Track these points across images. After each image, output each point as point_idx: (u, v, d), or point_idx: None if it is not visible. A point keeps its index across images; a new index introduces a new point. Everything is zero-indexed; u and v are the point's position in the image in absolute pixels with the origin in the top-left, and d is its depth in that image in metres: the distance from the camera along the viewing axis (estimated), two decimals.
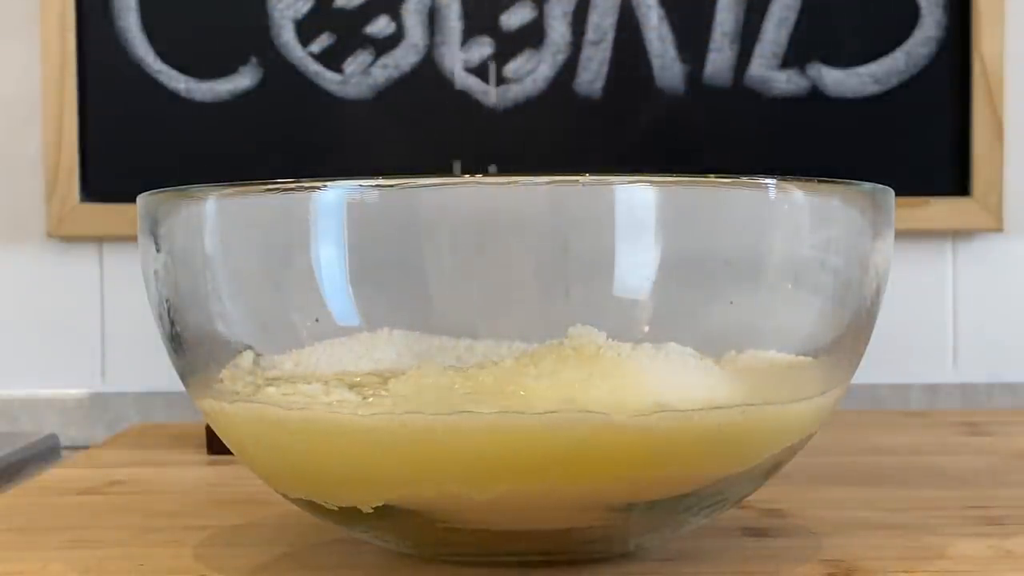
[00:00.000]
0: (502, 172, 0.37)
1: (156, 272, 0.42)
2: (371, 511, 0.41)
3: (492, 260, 0.38)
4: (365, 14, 0.96)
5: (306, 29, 0.96)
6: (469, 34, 0.96)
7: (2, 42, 0.96)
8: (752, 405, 0.39)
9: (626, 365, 0.39)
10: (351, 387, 0.40)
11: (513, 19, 0.96)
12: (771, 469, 0.43)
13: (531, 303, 0.39)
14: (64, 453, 0.83)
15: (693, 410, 0.38)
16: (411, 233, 0.38)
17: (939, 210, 0.98)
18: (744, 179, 0.39)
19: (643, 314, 0.39)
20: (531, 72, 0.96)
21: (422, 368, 0.39)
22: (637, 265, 0.38)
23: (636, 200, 0.38)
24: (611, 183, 0.38)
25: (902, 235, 0.46)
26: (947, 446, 0.73)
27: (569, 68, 0.96)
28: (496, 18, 0.96)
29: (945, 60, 0.98)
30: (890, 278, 0.44)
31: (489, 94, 0.93)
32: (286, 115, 0.95)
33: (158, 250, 0.42)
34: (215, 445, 0.69)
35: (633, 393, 0.38)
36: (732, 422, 0.39)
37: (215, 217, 0.40)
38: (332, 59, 0.96)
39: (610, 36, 0.97)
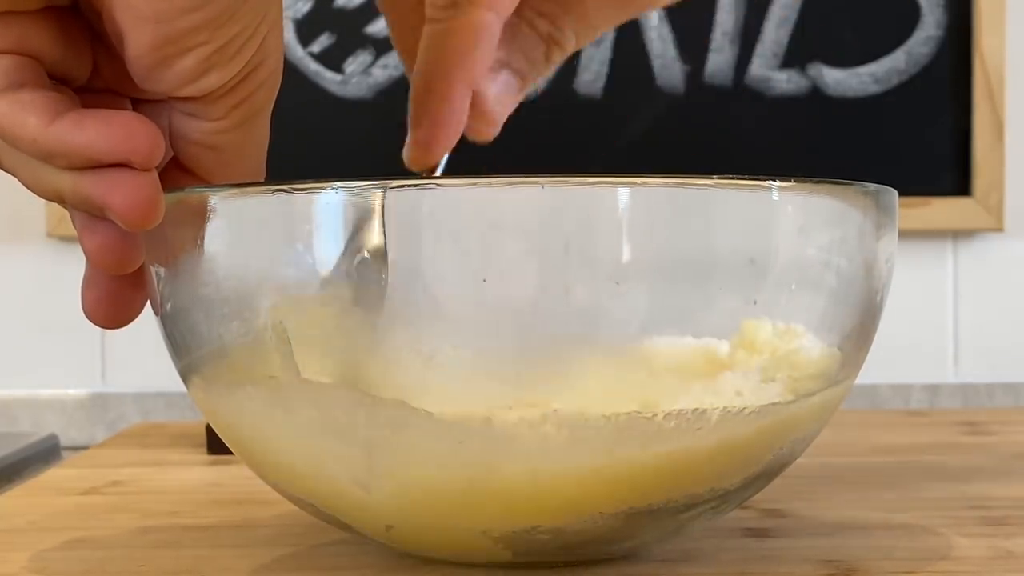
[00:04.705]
0: (502, 172, 0.37)
1: (156, 272, 0.42)
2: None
3: (493, 261, 0.38)
4: (365, 14, 0.96)
5: (306, 29, 0.96)
6: None
7: None
8: (757, 408, 0.39)
9: (627, 366, 0.39)
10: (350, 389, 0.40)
11: None
12: (775, 471, 0.42)
13: (531, 303, 0.39)
14: (64, 453, 0.83)
15: (695, 410, 0.38)
16: (412, 234, 0.38)
17: (940, 210, 0.98)
18: (746, 180, 0.39)
19: (644, 315, 0.39)
20: None
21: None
22: (638, 266, 0.38)
23: (636, 200, 0.38)
24: (611, 183, 0.38)
25: (903, 235, 0.46)
26: (947, 446, 0.73)
27: (569, 68, 0.96)
28: None
29: (945, 60, 0.98)
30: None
31: None
32: (286, 115, 0.95)
33: (158, 250, 0.42)
34: (215, 445, 0.69)
35: (637, 394, 0.38)
36: (736, 423, 0.39)
37: (216, 217, 0.40)
38: (332, 59, 0.96)
39: (610, 36, 0.97)
